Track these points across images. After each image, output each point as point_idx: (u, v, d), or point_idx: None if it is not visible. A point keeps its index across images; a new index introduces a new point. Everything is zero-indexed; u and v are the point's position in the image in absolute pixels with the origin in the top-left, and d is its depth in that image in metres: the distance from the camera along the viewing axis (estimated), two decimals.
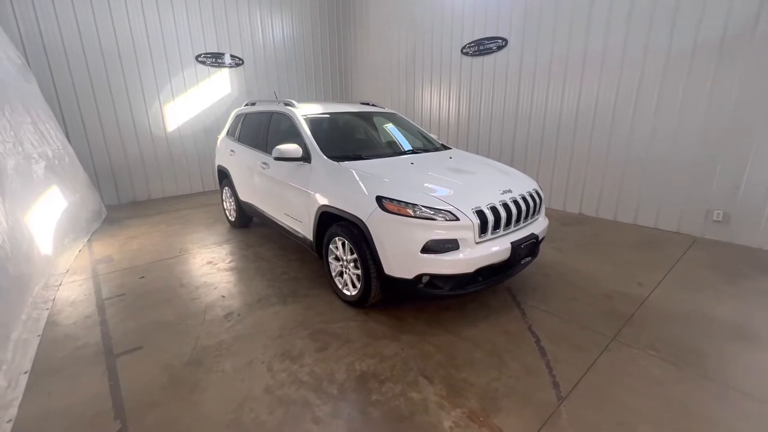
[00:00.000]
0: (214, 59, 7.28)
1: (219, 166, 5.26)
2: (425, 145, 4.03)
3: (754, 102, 4.08)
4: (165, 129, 7.02)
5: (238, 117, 4.98)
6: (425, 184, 2.81)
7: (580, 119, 5.45)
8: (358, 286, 2.97)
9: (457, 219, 2.51)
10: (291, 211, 3.68)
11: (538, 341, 2.64)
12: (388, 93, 8.40)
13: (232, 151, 4.82)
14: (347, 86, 9.48)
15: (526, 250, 2.78)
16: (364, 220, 2.71)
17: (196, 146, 7.40)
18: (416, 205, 2.55)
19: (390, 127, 4.29)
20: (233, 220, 5.21)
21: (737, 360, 2.45)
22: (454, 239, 2.54)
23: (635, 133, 4.95)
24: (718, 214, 4.47)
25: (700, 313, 3.00)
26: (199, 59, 7.12)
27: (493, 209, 2.67)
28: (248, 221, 5.18)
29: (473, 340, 2.66)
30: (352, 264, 3.03)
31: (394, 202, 2.60)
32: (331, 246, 3.18)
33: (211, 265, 4.04)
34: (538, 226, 3.05)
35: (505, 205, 2.76)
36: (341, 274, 3.20)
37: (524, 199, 2.90)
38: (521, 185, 3.07)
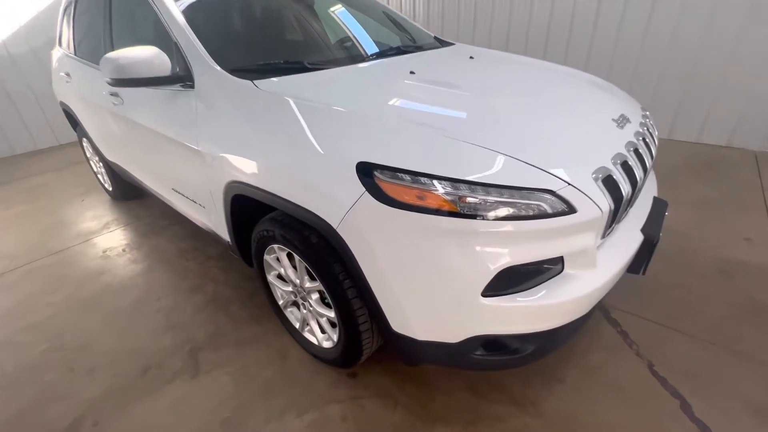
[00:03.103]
0: None
1: (61, 103, 3.15)
2: (409, 40, 2.28)
3: None
4: None
5: (66, 8, 2.78)
6: (464, 125, 1.22)
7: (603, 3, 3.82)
8: (336, 335, 1.51)
9: (572, 209, 1.02)
10: (180, 186, 1.96)
11: (678, 397, 1.43)
12: None
13: (67, 75, 2.74)
14: None
15: (656, 235, 1.38)
16: (335, 226, 1.13)
17: (24, 77, 4.84)
18: (472, 184, 1.00)
19: (342, 12, 2.42)
20: (111, 189, 3.30)
21: None
22: (557, 257, 1.08)
23: (682, 22, 3.48)
24: None
25: None
26: None
27: (625, 167, 1.20)
28: (137, 189, 3.30)
29: (572, 420, 1.39)
30: (315, 296, 1.52)
31: (406, 178, 1.02)
32: (267, 257, 1.61)
33: (59, 285, 2.31)
34: (652, 183, 1.65)
35: (637, 152, 1.29)
36: (297, 305, 1.70)
37: (644, 136, 1.44)
38: (627, 105, 1.58)
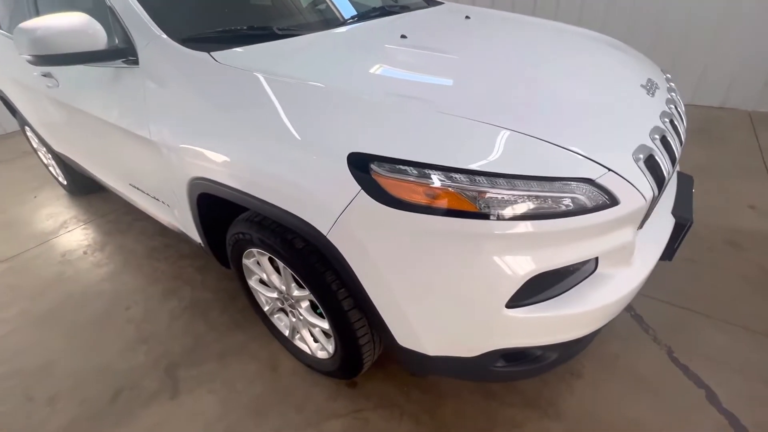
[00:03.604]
0: None
1: None
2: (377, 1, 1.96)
3: None
4: None
5: None
6: (475, 101, 1.00)
7: None
8: (331, 346, 1.33)
9: (614, 201, 0.84)
10: (139, 182, 1.69)
11: (703, 386, 1.35)
12: None
13: None
14: None
15: (689, 217, 1.23)
16: (324, 232, 0.93)
17: None
18: (494, 176, 0.80)
19: None
20: (66, 183, 2.96)
21: None
22: (592, 257, 0.91)
23: None
24: None
25: None
26: None
27: (664, 142, 1.02)
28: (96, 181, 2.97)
29: (595, 420, 1.28)
30: (305, 305, 1.33)
31: (411, 171, 0.82)
32: (246, 261, 1.40)
33: (13, 298, 2.04)
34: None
35: (672, 124, 1.11)
36: (285, 312, 1.51)
37: (675, 103, 1.25)
38: (650, 68, 1.38)
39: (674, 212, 1.17)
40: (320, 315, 1.30)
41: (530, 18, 1.78)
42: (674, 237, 1.15)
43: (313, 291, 1.14)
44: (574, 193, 0.81)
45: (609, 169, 0.84)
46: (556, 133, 0.87)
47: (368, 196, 0.84)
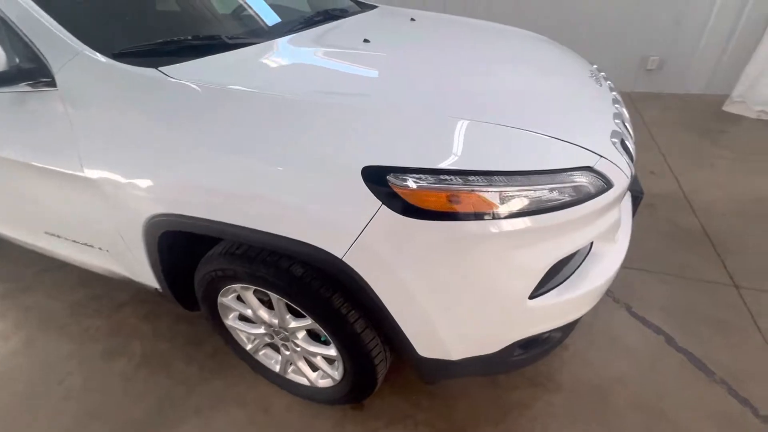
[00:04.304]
0: None
1: None
2: (319, 6, 1.87)
3: None
4: None
5: None
6: (465, 100, 1.01)
7: None
8: (337, 372, 1.24)
9: (609, 184, 0.91)
10: (60, 228, 1.39)
11: (661, 333, 1.56)
12: None
13: None
14: None
15: (641, 190, 1.39)
16: (340, 255, 0.85)
17: None
18: (510, 174, 0.81)
19: None
20: None
21: None
22: (593, 239, 0.98)
23: None
24: (653, 61, 3.91)
25: (751, 197, 2.35)
26: None
27: (623, 125, 1.14)
28: None
29: (587, 385, 1.40)
30: (301, 335, 1.22)
31: (429, 179, 0.79)
32: (224, 299, 1.24)
33: None
34: None
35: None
36: (274, 347, 1.37)
37: (614, 89, 1.42)
38: (585, 61, 1.54)
39: (629, 187, 1.32)
40: (321, 342, 1.21)
41: (467, 19, 1.87)
42: (633, 209, 1.30)
43: (317, 318, 1.05)
44: (580, 182, 0.86)
45: (601, 156, 0.91)
46: (550, 126, 0.92)
47: (390, 210, 0.79)
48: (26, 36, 1.01)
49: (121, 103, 0.99)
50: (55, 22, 1.02)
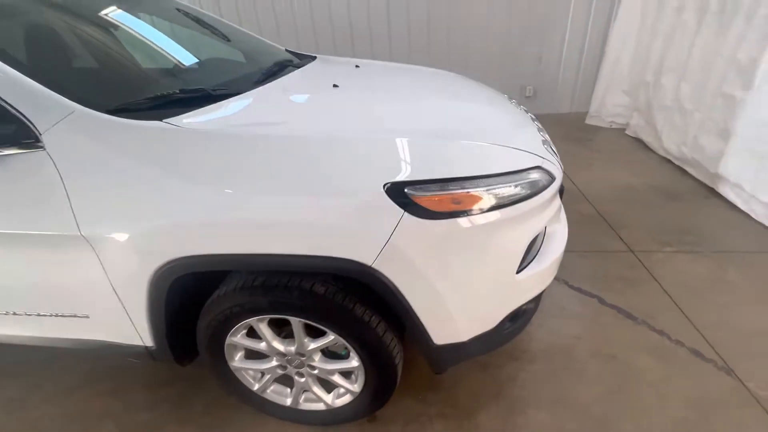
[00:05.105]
0: None
1: None
2: (265, 59, 1.96)
3: None
4: None
5: None
6: (442, 126, 1.26)
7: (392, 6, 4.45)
8: (356, 384, 1.31)
9: (553, 177, 1.22)
10: (28, 304, 1.25)
11: (594, 296, 1.95)
12: None
13: None
14: None
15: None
16: (369, 263, 0.99)
17: None
18: (494, 176, 1.06)
19: (163, 30, 1.95)
20: None
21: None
22: (546, 222, 1.27)
23: (452, 22, 4.47)
24: (529, 89, 4.81)
25: (623, 185, 3.04)
26: None
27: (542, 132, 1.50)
28: None
29: (552, 352, 1.68)
30: (317, 357, 1.28)
31: (435, 187, 1.00)
32: (233, 339, 1.25)
33: None
34: None
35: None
36: (285, 378, 1.38)
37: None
38: (499, 93, 1.94)
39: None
40: (338, 357, 1.28)
41: (398, 64, 2.19)
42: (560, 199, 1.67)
43: (341, 331, 1.15)
44: (536, 177, 1.15)
45: (543, 158, 1.22)
46: (510, 140, 1.21)
47: (412, 216, 0.97)
48: (6, 102, 0.98)
49: (123, 157, 1.01)
50: (39, 85, 1.01)
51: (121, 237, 1.03)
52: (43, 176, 1.01)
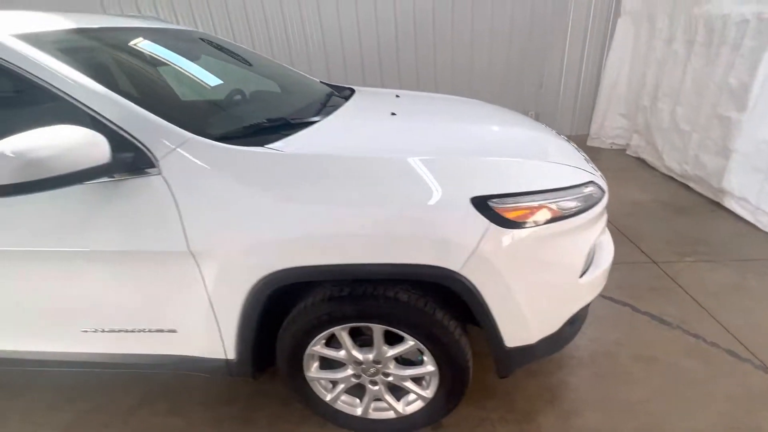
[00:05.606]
0: None
1: None
2: (315, 91, 2.10)
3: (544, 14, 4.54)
4: None
5: None
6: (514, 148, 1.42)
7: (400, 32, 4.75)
8: (428, 390, 1.38)
9: (603, 191, 1.37)
10: (117, 320, 1.32)
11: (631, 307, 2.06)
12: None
13: None
14: None
15: None
16: (457, 269, 1.10)
17: None
18: (561, 190, 1.20)
19: (213, 62, 2.13)
20: None
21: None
22: (600, 231, 1.40)
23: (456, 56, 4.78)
24: (531, 114, 5.07)
25: (633, 201, 3.22)
26: None
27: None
28: None
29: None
30: (392, 364, 1.36)
31: (513, 200, 1.13)
32: (314, 348, 1.32)
33: None
34: None
35: None
36: (355, 392, 1.45)
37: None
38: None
39: None
40: (409, 363, 1.36)
41: (432, 94, 2.37)
42: None
43: (420, 336, 1.23)
44: (591, 190, 1.28)
45: (592, 173, 1.36)
46: (567, 159, 1.36)
47: (496, 225, 1.09)
48: (127, 132, 1.10)
49: (230, 179, 1.12)
50: (156, 117, 1.13)
51: (226, 252, 1.13)
52: (159, 198, 1.11)
